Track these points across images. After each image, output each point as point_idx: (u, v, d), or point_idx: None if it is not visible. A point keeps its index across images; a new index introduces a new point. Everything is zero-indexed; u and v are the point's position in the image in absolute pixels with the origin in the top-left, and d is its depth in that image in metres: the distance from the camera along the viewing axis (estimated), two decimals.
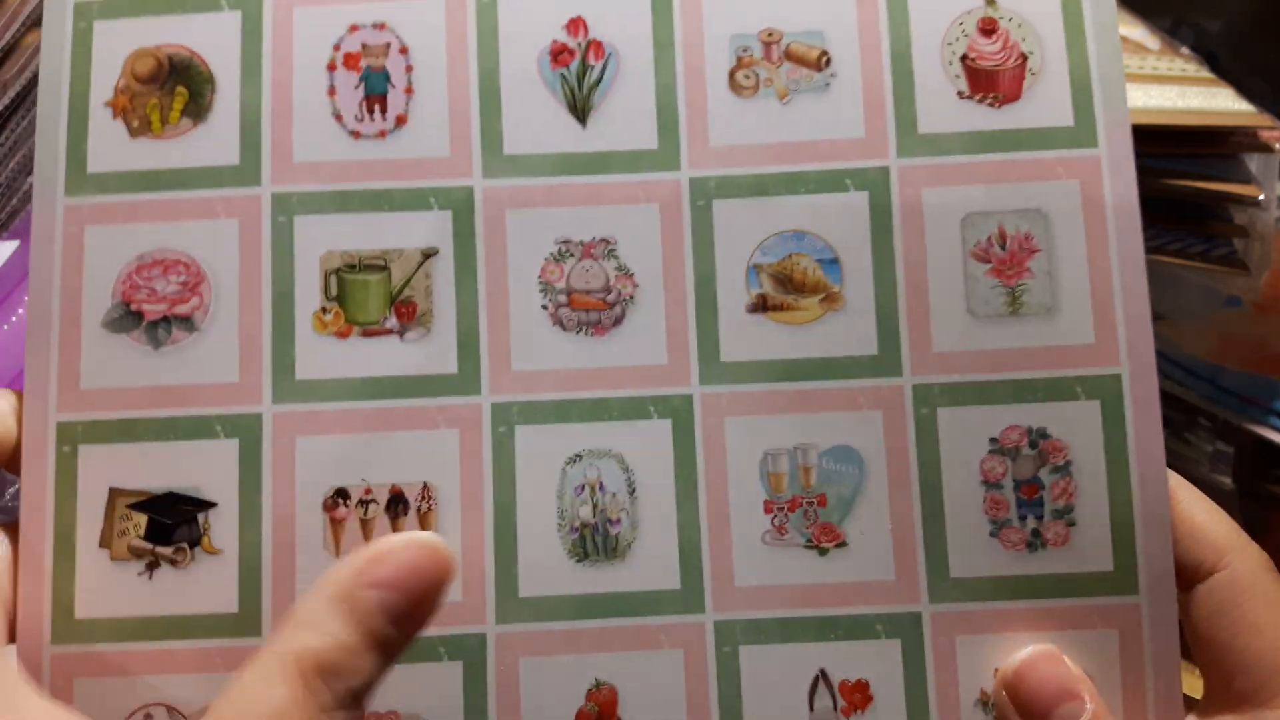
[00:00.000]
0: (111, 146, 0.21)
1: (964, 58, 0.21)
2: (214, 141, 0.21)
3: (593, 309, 0.21)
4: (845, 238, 0.21)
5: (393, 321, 0.21)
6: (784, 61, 0.21)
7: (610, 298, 0.21)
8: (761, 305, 0.21)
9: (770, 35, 0.22)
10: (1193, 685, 0.20)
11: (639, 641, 0.20)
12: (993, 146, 0.21)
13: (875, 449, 0.21)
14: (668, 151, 0.21)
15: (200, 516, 0.20)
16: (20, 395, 0.21)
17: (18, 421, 0.20)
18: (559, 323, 0.21)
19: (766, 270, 0.21)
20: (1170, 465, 0.20)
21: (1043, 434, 0.21)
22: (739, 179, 0.21)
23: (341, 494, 0.21)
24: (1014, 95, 0.21)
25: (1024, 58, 0.21)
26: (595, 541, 0.21)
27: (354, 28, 0.22)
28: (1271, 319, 0.30)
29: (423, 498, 0.21)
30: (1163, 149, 0.27)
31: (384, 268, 0.21)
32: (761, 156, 0.21)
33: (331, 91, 0.22)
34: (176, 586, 0.20)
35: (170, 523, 0.20)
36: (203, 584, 0.20)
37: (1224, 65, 0.31)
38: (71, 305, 0.21)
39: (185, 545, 0.20)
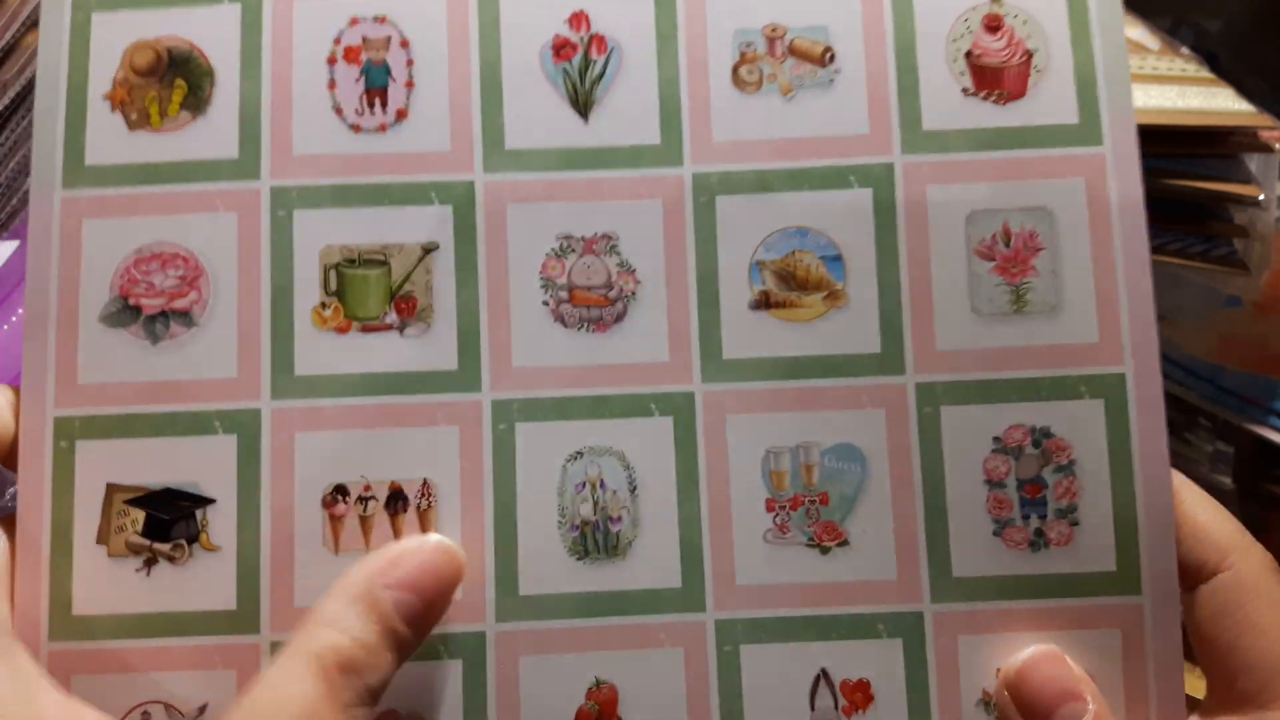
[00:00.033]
0: (110, 139, 0.21)
1: (969, 54, 0.21)
2: (213, 135, 0.21)
3: (594, 305, 0.21)
4: (849, 235, 0.21)
5: (392, 317, 0.21)
6: (788, 57, 0.21)
7: (612, 294, 0.21)
8: (764, 302, 0.21)
9: (774, 30, 0.21)
10: (1195, 685, 0.20)
11: (640, 640, 0.20)
12: (997, 144, 0.21)
13: (878, 447, 0.20)
14: (670, 147, 0.21)
15: (198, 513, 0.20)
16: (17, 390, 0.20)
17: (15, 417, 0.20)
18: (560, 319, 0.21)
19: (769, 267, 0.21)
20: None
21: (1046, 433, 0.20)
22: (742, 175, 0.21)
23: (340, 491, 0.20)
24: (1019, 92, 0.21)
25: (1029, 54, 0.21)
26: (596, 539, 0.20)
27: (354, 21, 0.21)
28: (1271, 319, 0.30)
29: (422, 495, 0.20)
30: (1163, 149, 0.27)
31: (384, 263, 0.21)
32: (765, 152, 0.21)
33: (332, 85, 0.21)
34: (174, 583, 0.20)
35: (168, 519, 0.20)
36: (201, 581, 0.20)
37: (1224, 65, 0.31)
38: (69, 299, 0.20)
39: (183, 542, 0.20)
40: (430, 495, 0.20)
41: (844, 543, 0.20)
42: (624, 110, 0.21)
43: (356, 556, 0.20)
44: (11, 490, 0.25)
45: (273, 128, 0.21)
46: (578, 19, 0.21)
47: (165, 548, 0.20)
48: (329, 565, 0.20)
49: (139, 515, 0.20)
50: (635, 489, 0.20)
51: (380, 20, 0.21)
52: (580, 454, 0.20)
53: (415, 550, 0.18)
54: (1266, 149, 0.28)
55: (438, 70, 0.21)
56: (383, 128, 0.21)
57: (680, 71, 0.21)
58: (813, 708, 0.20)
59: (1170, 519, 0.20)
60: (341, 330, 0.21)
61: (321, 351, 0.20)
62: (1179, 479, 0.20)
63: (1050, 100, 0.21)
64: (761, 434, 0.20)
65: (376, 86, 0.21)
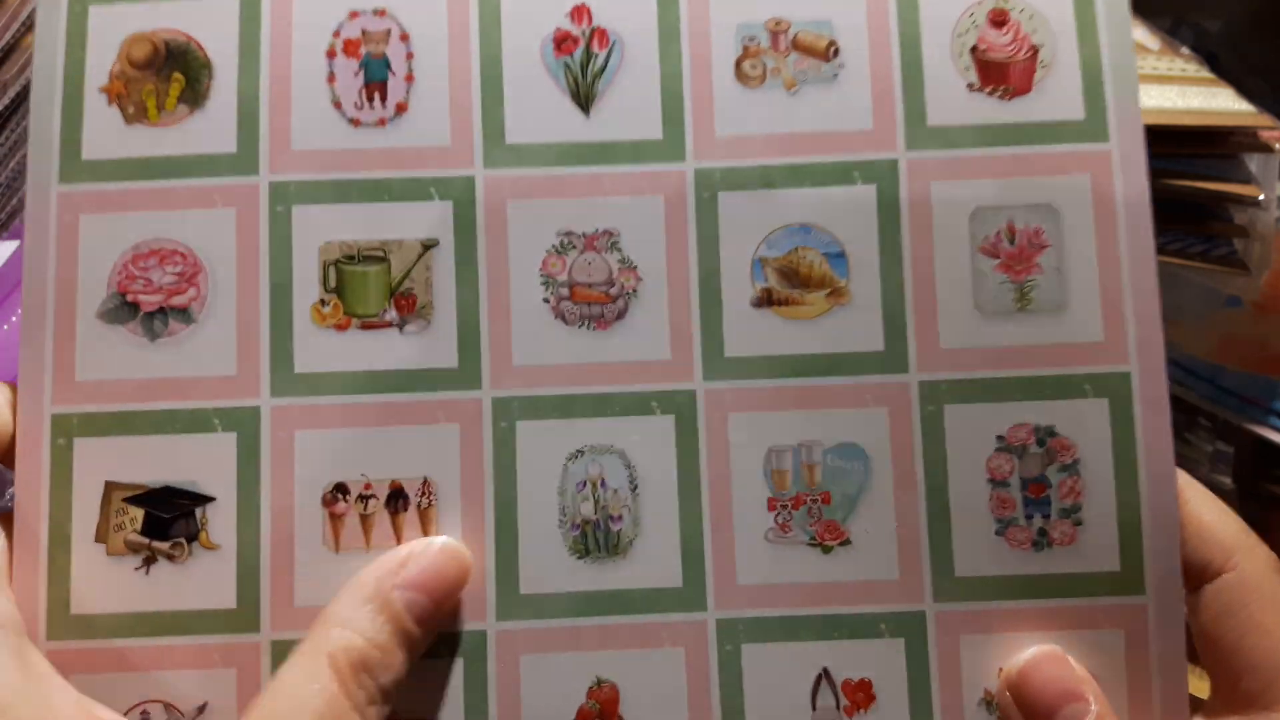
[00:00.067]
0: (107, 133, 0.20)
1: (974, 49, 0.21)
2: (211, 129, 0.20)
3: (595, 302, 0.20)
4: (852, 232, 0.20)
5: (392, 314, 0.20)
6: (791, 51, 0.21)
7: (613, 291, 0.20)
8: (766, 300, 0.20)
9: (778, 24, 0.21)
10: (1198, 686, 0.19)
11: (641, 639, 0.19)
12: (1003, 140, 0.20)
13: (881, 446, 0.20)
14: (672, 142, 0.20)
15: (198, 511, 0.20)
16: (14, 388, 0.20)
17: (13, 414, 0.20)
18: (561, 316, 0.20)
19: (772, 264, 0.20)
20: None
21: (1050, 432, 0.20)
22: (745, 171, 0.20)
23: (341, 489, 0.20)
24: (1024, 88, 0.20)
25: (1035, 50, 0.20)
26: (597, 538, 0.20)
27: (354, 14, 0.21)
28: (1271, 319, 0.29)
29: (423, 493, 0.20)
30: (1163, 149, 0.26)
31: (383, 259, 0.20)
32: (768, 148, 0.20)
33: (331, 78, 0.21)
34: (174, 582, 0.20)
35: (167, 517, 0.20)
36: (200, 579, 0.20)
37: (1224, 65, 0.30)
38: (66, 295, 0.20)
39: (183, 540, 0.20)
40: (431, 494, 0.20)
41: (846, 542, 0.20)
42: (626, 105, 0.20)
43: (357, 555, 0.19)
44: (11, 491, 0.25)
45: (271, 122, 0.20)
46: (579, 12, 0.21)
47: (164, 546, 0.20)
48: (329, 564, 0.19)
49: (138, 513, 0.20)
50: (636, 488, 0.20)
51: (380, 13, 0.21)
52: (581, 452, 0.20)
53: (423, 551, 0.18)
54: (1266, 149, 0.27)
55: (438, 64, 0.20)
56: (382, 122, 0.20)
57: (683, 65, 0.20)
58: (814, 707, 0.19)
59: (1175, 519, 0.19)
60: (341, 327, 0.20)
61: (321, 349, 0.20)
62: (1184, 478, 0.20)
63: (1056, 96, 0.20)
64: (763, 432, 0.20)
65: (376, 80, 0.20)
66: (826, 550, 0.20)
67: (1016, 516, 0.20)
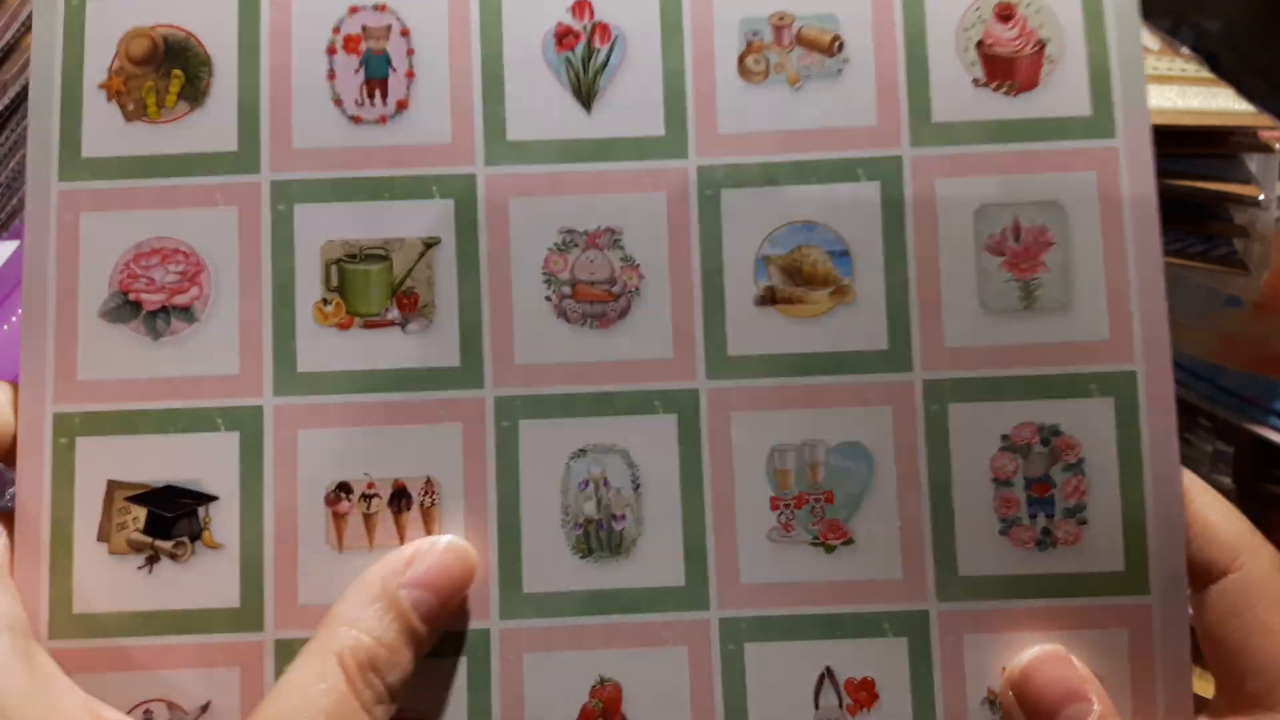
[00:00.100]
0: (106, 130, 0.20)
1: (980, 44, 0.20)
2: (211, 126, 0.20)
3: (597, 301, 0.19)
4: (856, 229, 0.20)
5: (394, 313, 0.19)
6: (795, 46, 0.20)
7: (615, 289, 0.19)
8: (770, 298, 0.20)
9: (781, 19, 0.20)
10: (1202, 686, 0.18)
11: (644, 638, 0.19)
12: (1008, 136, 0.19)
13: (884, 445, 0.19)
14: (675, 139, 0.20)
15: (201, 510, 0.19)
16: (16, 387, 0.19)
17: (14, 413, 0.19)
18: (563, 315, 0.19)
19: (775, 262, 0.19)
20: None
21: (1055, 431, 0.19)
22: (748, 168, 0.20)
23: (344, 488, 0.19)
24: (1031, 83, 0.20)
25: (1042, 44, 0.20)
26: (599, 537, 0.19)
27: (354, 9, 0.20)
28: (1271, 319, 0.29)
29: (426, 492, 0.19)
30: (1163, 149, 0.25)
31: (385, 258, 0.20)
32: (771, 145, 0.20)
33: (331, 75, 0.20)
34: (177, 581, 0.19)
35: (170, 516, 0.19)
36: (203, 578, 0.19)
37: (1224, 65, 0.29)
38: (68, 294, 0.19)
39: (185, 539, 0.19)
40: (434, 493, 0.19)
41: (849, 541, 0.19)
42: (628, 101, 0.20)
43: (360, 554, 0.19)
44: (12, 491, 0.24)
45: (272, 119, 0.20)
46: (580, 7, 0.20)
47: (167, 545, 0.19)
48: (333, 563, 0.19)
49: (140, 512, 0.19)
50: (639, 487, 0.19)
51: (380, 9, 0.20)
52: (584, 451, 0.19)
53: (429, 550, 0.18)
54: (1266, 149, 0.26)
55: (438, 60, 0.20)
56: (383, 119, 0.20)
57: (685, 61, 0.20)
58: (817, 706, 0.19)
59: (1180, 519, 0.19)
60: (343, 326, 0.19)
61: (323, 348, 0.19)
62: (1189, 478, 0.19)
63: (1063, 92, 0.20)
64: (766, 431, 0.19)
65: (376, 77, 0.20)
66: (829, 550, 0.19)
67: (1020, 516, 0.19)
